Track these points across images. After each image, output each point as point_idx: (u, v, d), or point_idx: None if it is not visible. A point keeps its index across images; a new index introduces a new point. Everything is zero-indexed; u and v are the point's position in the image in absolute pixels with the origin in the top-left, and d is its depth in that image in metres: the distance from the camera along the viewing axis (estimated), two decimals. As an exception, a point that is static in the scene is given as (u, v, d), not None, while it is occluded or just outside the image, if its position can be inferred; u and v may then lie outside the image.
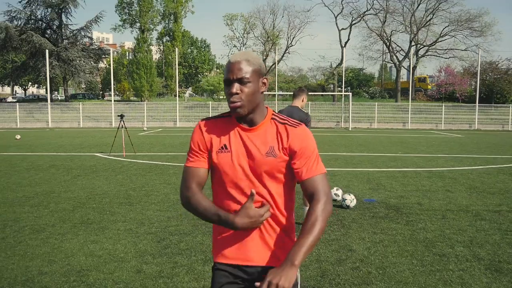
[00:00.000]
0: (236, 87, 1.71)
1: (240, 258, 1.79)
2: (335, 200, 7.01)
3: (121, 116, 14.15)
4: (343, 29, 48.96)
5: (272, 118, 1.82)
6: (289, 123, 1.80)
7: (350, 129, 31.65)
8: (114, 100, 39.51)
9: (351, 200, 6.58)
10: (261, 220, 1.71)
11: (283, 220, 1.80)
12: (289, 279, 1.53)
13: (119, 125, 14.29)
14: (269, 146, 1.76)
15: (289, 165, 1.77)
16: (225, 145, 1.78)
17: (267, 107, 1.84)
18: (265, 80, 1.78)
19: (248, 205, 1.69)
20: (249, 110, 1.74)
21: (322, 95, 46.52)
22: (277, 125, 1.80)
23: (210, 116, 1.89)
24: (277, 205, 1.78)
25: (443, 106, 36.81)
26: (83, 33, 42.94)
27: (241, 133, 1.78)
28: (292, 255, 1.58)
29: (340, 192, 7.11)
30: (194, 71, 61.53)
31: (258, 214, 1.69)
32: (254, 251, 1.78)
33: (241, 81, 1.71)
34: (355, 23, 48.28)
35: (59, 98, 51.36)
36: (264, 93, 1.81)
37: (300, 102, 5.86)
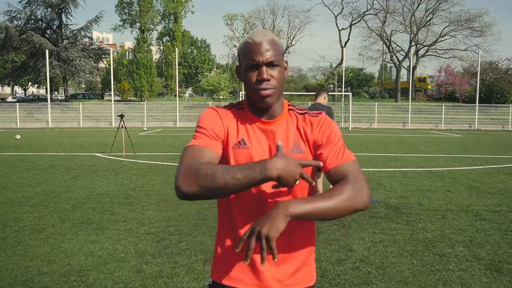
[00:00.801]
0: (267, 71, 1.44)
1: (255, 284, 1.47)
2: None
3: (121, 116, 14.15)
4: (343, 29, 49.03)
5: (289, 109, 1.58)
6: (309, 113, 1.57)
7: (350, 129, 31.66)
8: (114, 100, 39.52)
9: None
10: (297, 175, 1.28)
11: (307, 231, 1.54)
12: (276, 227, 1.25)
13: (119, 125, 14.29)
14: (293, 142, 1.51)
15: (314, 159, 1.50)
16: (243, 140, 1.50)
17: (282, 99, 1.60)
18: (286, 64, 1.54)
19: (284, 153, 1.32)
20: (278, 99, 1.49)
21: (322, 95, 46.46)
22: (297, 117, 1.56)
23: (218, 106, 1.62)
24: None
25: (443, 106, 36.83)
26: (83, 33, 42.98)
27: (261, 127, 1.52)
28: (287, 202, 1.29)
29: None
30: (194, 71, 61.55)
31: (296, 162, 1.28)
32: (272, 277, 1.47)
33: (271, 64, 1.45)
34: (355, 23, 48.33)
35: (59, 98, 51.37)
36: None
37: (322, 99, 6.37)
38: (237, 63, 1.56)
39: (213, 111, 1.53)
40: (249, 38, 1.47)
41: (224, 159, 1.48)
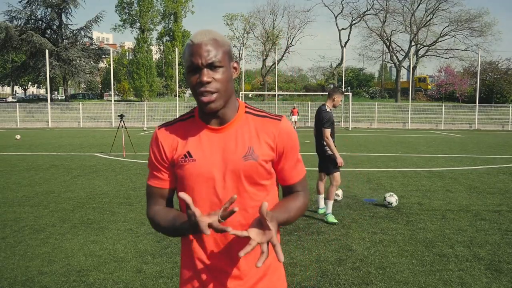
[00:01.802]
0: (206, 74, 1.35)
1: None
2: (335, 200, 7.01)
3: (121, 116, 14.15)
4: (343, 29, 49.07)
5: (246, 112, 1.48)
6: (269, 116, 1.48)
7: (350, 129, 31.67)
8: (114, 100, 39.52)
9: (396, 200, 6.71)
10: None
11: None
12: (272, 234, 1.28)
13: (119, 125, 14.29)
14: (247, 147, 1.41)
15: (271, 166, 1.47)
16: (188, 153, 1.43)
17: (238, 100, 1.51)
18: (235, 64, 1.45)
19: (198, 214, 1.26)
20: (224, 103, 1.40)
21: (322, 95, 46.50)
22: (254, 120, 1.46)
23: (167, 121, 1.57)
24: None
25: (443, 106, 36.84)
26: (83, 33, 42.99)
27: (209, 135, 1.44)
28: (274, 215, 1.34)
29: (340, 192, 7.11)
30: (194, 71, 61.40)
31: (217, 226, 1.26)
32: (233, 282, 1.44)
33: (212, 65, 1.35)
34: (355, 23, 48.37)
35: (59, 98, 51.41)
36: (237, 91, 1.49)
37: (331, 101, 5.97)
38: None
39: (153, 139, 1.49)
40: (189, 40, 1.40)
41: (178, 174, 1.45)
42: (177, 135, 1.47)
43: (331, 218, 5.78)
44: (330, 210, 5.92)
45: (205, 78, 1.34)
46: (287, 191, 1.54)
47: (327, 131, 5.79)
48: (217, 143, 1.43)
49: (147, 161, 1.53)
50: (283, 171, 1.49)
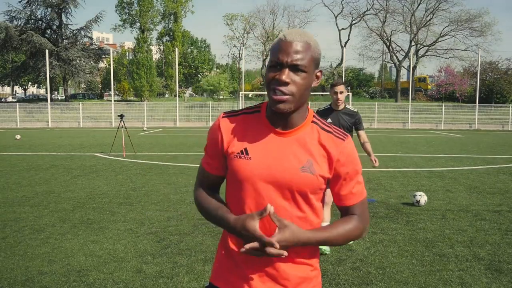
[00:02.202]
0: (287, 74, 1.31)
1: None
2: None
3: (121, 116, 14.15)
4: (343, 29, 49.10)
5: (313, 122, 1.44)
6: (335, 133, 1.43)
7: (350, 129, 31.63)
8: (114, 100, 39.53)
9: (419, 195, 6.79)
10: (248, 241, 1.31)
11: (309, 253, 1.45)
12: (288, 246, 1.32)
13: (119, 125, 14.29)
14: (307, 160, 1.37)
15: (325, 185, 1.43)
16: (245, 149, 1.40)
17: (308, 108, 1.46)
18: (319, 74, 1.41)
19: (255, 216, 1.31)
20: (295, 108, 1.36)
21: (322, 95, 46.50)
22: (319, 132, 1.42)
23: (233, 110, 1.54)
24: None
25: (443, 106, 36.84)
26: (83, 33, 43.00)
27: (270, 137, 1.40)
28: (305, 233, 1.34)
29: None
30: (194, 71, 61.57)
31: (253, 233, 1.29)
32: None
33: (296, 68, 1.31)
34: (355, 23, 48.38)
35: (59, 98, 51.40)
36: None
37: (332, 97, 4.90)
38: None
39: (215, 126, 1.48)
40: (282, 35, 1.35)
41: (229, 167, 1.44)
42: (239, 127, 1.44)
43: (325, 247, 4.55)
44: None
45: (284, 78, 1.31)
46: (342, 212, 1.49)
47: None
48: (277, 147, 1.39)
49: (205, 144, 1.54)
50: (340, 192, 1.45)
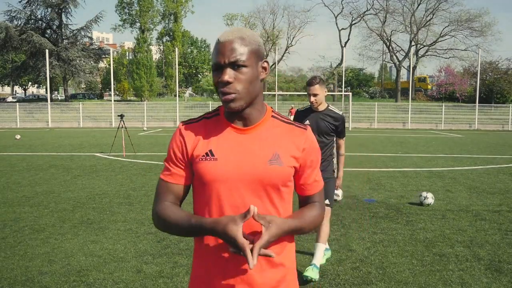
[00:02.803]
0: (229, 73, 1.32)
1: None
2: (335, 201, 7.00)
3: (121, 116, 14.15)
4: (343, 29, 49.11)
5: (273, 116, 1.46)
6: (295, 124, 1.47)
7: (350, 129, 31.66)
8: (114, 100, 39.53)
9: (431, 197, 6.78)
10: (232, 245, 1.27)
11: (289, 246, 1.46)
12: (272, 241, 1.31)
13: (119, 125, 14.30)
14: (272, 152, 1.39)
15: (292, 176, 1.45)
16: (210, 151, 1.39)
17: (265, 104, 1.48)
18: (265, 64, 1.40)
19: (237, 220, 1.26)
20: (246, 104, 1.36)
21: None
22: (280, 126, 1.45)
23: (191, 118, 1.53)
24: None
25: (443, 106, 36.84)
26: (83, 33, 43.00)
27: (233, 135, 1.40)
28: (284, 221, 1.35)
29: (340, 192, 7.09)
30: (194, 71, 61.59)
31: (236, 237, 1.25)
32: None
33: (235, 65, 1.32)
34: (355, 23, 48.40)
35: (59, 98, 51.40)
36: (263, 84, 1.45)
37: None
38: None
39: (176, 134, 1.46)
40: (217, 38, 1.36)
41: (195, 172, 1.41)
42: (201, 132, 1.43)
43: (313, 273, 3.85)
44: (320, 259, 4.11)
45: (225, 78, 1.32)
46: (304, 201, 1.51)
47: None
48: (242, 144, 1.39)
49: (165, 158, 1.49)
50: (304, 181, 1.47)
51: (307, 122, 4.00)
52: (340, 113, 4.13)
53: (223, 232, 1.26)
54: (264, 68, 1.40)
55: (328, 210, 4.06)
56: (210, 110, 1.54)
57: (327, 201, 3.91)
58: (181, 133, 1.44)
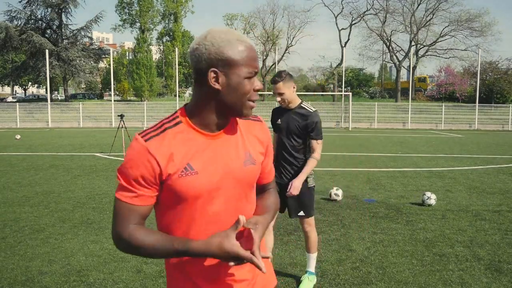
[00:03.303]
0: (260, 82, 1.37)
1: None
2: (335, 201, 7.01)
3: (121, 116, 14.15)
4: (343, 29, 49.07)
5: None
6: (250, 118, 1.46)
7: (350, 129, 31.67)
8: (114, 100, 39.52)
9: (434, 199, 6.77)
10: (229, 261, 1.25)
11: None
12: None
13: (119, 125, 14.30)
14: (244, 152, 1.38)
15: None
16: (189, 165, 1.29)
17: None
18: None
19: (230, 234, 1.25)
20: None
21: (322, 95, 46.52)
22: (240, 123, 1.43)
23: (148, 130, 1.34)
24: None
25: (443, 106, 36.82)
26: (83, 33, 42.95)
27: (207, 143, 1.33)
28: (260, 218, 1.39)
29: (340, 192, 7.11)
30: (194, 71, 61.40)
31: (235, 253, 1.23)
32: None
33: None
34: (355, 23, 48.38)
35: (59, 98, 51.40)
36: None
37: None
38: (216, 68, 1.27)
39: (140, 155, 1.27)
40: (245, 42, 1.28)
41: (171, 190, 1.29)
42: (171, 145, 1.29)
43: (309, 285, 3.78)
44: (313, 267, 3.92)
45: (260, 86, 1.34)
46: (261, 189, 1.54)
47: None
48: (217, 151, 1.34)
49: (119, 174, 1.30)
50: (265, 170, 1.51)
51: (279, 122, 3.64)
52: (312, 110, 3.59)
53: (221, 251, 1.23)
54: None
55: (311, 219, 3.72)
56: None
57: (301, 213, 3.64)
58: (149, 153, 1.26)
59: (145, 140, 1.28)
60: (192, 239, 1.28)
